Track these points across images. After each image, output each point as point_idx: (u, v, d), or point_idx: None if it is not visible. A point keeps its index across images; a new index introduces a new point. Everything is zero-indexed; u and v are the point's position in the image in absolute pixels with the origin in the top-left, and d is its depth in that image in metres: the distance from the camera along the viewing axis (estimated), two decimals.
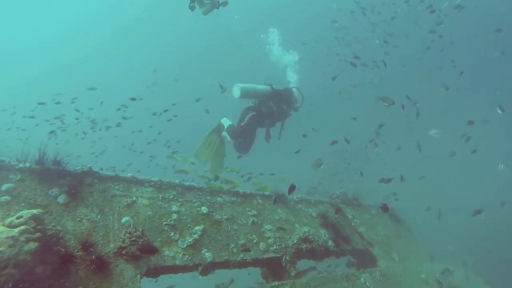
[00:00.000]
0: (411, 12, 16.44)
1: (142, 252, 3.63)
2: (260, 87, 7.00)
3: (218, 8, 6.42)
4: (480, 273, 7.84)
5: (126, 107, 9.34)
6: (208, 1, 6.35)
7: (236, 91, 6.70)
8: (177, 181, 5.00)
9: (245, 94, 6.74)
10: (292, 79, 8.02)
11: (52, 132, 8.91)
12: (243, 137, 6.86)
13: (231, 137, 6.88)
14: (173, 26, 35.75)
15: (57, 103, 9.03)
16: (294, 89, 7.37)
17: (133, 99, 8.52)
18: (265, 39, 9.50)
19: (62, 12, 36.85)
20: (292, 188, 4.81)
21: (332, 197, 7.60)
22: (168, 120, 9.22)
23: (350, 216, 7.04)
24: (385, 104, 5.95)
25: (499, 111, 8.90)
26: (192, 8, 6.16)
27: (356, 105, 20.72)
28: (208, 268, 4.14)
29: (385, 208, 5.36)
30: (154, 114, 9.59)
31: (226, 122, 7.08)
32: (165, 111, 9.40)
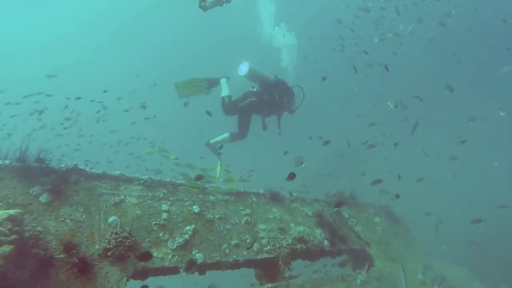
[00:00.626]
0: (415, 9, 16.07)
1: (139, 259, 3.50)
2: (267, 73, 6.83)
3: (221, 5, 6.17)
4: (478, 273, 7.74)
5: (106, 106, 9.22)
6: None
7: (244, 68, 6.48)
8: (167, 179, 4.84)
9: (251, 74, 6.55)
10: (288, 65, 7.67)
11: (40, 113, 8.57)
12: (237, 114, 6.72)
13: (222, 108, 6.72)
14: (172, 26, 35.36)
15: (36, 102, 8.84)
16: (296, 87, 7.17)
17: (106, 91, 8.39)
18: (257, 18, 8.53)
19: (61, 13, 36.50)
20: (292, 176, 4.57)
21: (328, 196, 7.45)
22: (145, 119, 9.16)
23: (346, 215, 6.90)
24: (391, 106, 5.87)
25: (501, 113, 8.73)
26: (204, 8, 5.96)
27: (358, 104, 20.52)
28: (192, 266, 3.98)
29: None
30: (126, 110, 9.52)
31: (225, 89, 6.79)
32: (143, 107, 9.24)
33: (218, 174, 6.66)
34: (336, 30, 16.83)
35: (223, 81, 6.85)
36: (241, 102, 6.70)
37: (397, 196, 5.69)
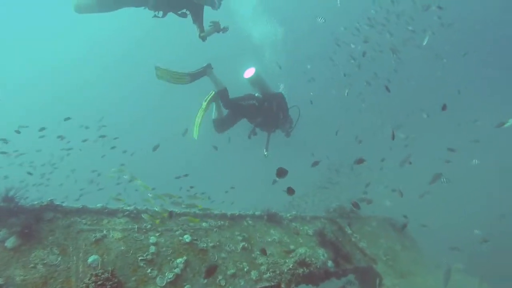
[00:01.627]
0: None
1: None
2: (270, 84, 6.63)
3: (219, 32, 6.08)
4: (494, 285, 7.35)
5: (65, 138, 9.23)
6: (211, 25, 6.02)
7: (250, 72, 6.31)
8: (155, 208, 4.48)
9: (256, 79, 6.38)
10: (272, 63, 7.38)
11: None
12: (230, 109, 6.46)
13: (220, 98, 6.33)
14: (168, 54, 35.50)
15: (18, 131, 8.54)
16: (294, 108, 6.91)
17: (67, 118, 8.26)
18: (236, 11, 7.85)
19: (65, 43, 36.70)
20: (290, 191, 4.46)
21: (328, 211, 7.11)
22: (112, 148, 9.50)
23: (349, 231, 6.54)
24: (390, 137, 5.82)
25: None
26: (203, 38, 5.93)
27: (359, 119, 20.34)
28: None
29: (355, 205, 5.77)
30: (87, 127, 9.60)
31: (219, 83, 6.32)
32: (102, 136, 9.21)
33: (194, 130, 6.08)
34: (330, 48, 16.70)
35: (214, 81, 6.34)
36: (242, 101, 6.46)
37: (405, 226, 5.73)
